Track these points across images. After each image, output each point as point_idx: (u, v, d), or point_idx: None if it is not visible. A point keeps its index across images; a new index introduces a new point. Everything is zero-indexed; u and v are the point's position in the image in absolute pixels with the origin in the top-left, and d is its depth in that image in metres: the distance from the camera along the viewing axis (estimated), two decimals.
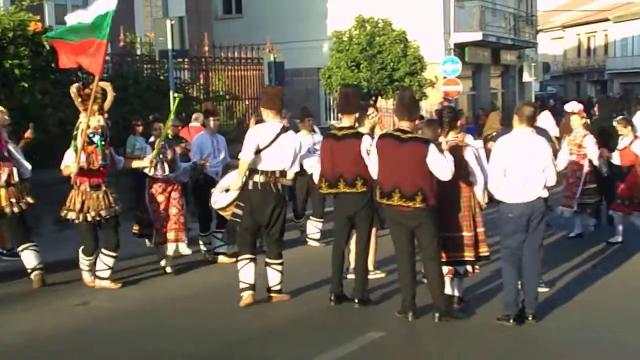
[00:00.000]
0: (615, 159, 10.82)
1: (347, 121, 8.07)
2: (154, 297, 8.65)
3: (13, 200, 8.86)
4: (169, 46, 13.66)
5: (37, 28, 12.51)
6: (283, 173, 8.02)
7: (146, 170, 9.48)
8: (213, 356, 6.66)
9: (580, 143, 10.97)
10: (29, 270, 8.99)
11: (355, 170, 7.78)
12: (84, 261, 9.07)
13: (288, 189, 9.22)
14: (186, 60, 16.37)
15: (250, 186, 7.98)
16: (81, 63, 9.06)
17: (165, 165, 9.55)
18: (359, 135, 7.89)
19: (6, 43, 12.07)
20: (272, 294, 8.21)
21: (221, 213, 8.78)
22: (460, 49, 26.52)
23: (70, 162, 8.80)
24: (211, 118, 10.82)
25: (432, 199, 7.14)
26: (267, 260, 8.16)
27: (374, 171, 7.54)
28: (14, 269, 9.62)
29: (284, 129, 8.06)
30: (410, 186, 7.11)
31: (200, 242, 10.65)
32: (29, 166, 9.34)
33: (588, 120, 12.18)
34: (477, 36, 26.78)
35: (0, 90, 11.85)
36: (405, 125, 7.34)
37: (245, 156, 7.92)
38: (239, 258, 8.16)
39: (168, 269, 9.72)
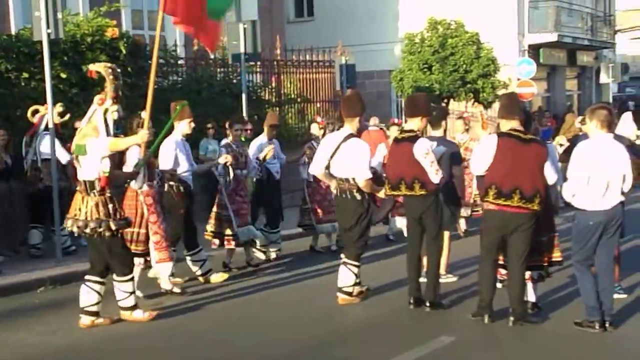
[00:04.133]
0: None
1: (411, 124, 8.06)
2: (234, 296, 8.73)
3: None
4: (242, 50, 13.80)
5: (114, 34, 12.82)
6: (366, 180, 8.06)
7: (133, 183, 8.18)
8: (286, 356, 6.68)
9: None
10: None
11: (413, 174, 7.75)
12: (128, 286, 7.54)
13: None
14: (258, 63, 16.52)
15: (334, 192, 8.32)
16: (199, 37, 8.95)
17: (146, 175, 8.22)
18: (415, 139, 7.83)
19: (85, 48, 12.40)
20: (340, 294, 8.23)
21: None
22: (534, 50, 26.03)
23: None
24: (187, 119, 8.92)
25: (544, 201, 7.08)
26: (343, 259, 8.25)
27: (479, 169, 7.40)
28: None
29: (348, 137, 8.08)
30: (531, 188, 7.03)
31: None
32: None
33: None
34: (553, 37, 26.24)
35: (80, 93, 12.19)
36: (516, 124, 7.22)
37: (312, 169, 8.55)
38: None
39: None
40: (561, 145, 11.30)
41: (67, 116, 10.62)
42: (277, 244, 10.88)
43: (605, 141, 7.01)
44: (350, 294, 8.25)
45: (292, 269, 10.18)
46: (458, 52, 20.51)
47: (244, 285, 9.26)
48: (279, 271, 10.06)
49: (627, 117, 10.96)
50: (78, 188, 7.36)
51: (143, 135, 7.44)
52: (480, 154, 7.37)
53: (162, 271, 8.61)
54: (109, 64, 7.46)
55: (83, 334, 7.35)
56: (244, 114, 13.69)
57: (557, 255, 7.58)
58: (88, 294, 7.49)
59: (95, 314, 7.52)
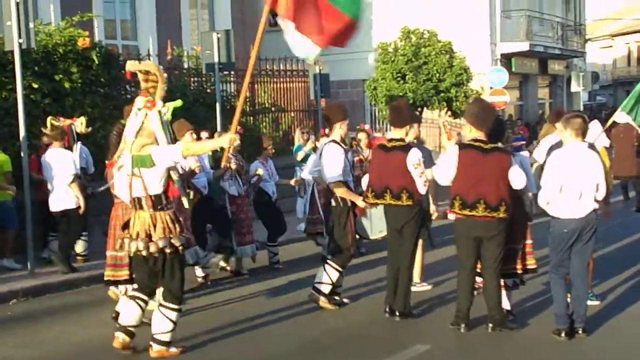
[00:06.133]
0: None
1: (397, 133, 8.05)
2: (205, 310, 8.66)
3: None
4: (216, 59, 13.78)
5: (85, 43, 12.74)
6: (334, 185, 8.16)
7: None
8: None
9: None
10: None
11: (401, 183, 7.74)
12: (175, 316, 6.75)
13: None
14: (232, 73, 16.51)
15: None
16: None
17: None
18: (407, 148, 7.85)
19: (57, 58, 12.31)
20: (313, 292, 8.31)
21: None
22: (506, 59, 26.28)
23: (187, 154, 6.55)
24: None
25: (511, 209, 7.14)
26: (328, 258, 8.33)
27: (443, 180, 7.47)
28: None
29: (328, 142, 8.28)
30: (495, 197, 7.10)
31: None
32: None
33: None
34: (524, 46, 26.51)
35: (52, 104, 12.09)
36: (481, 135, 7.28)
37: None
38: None
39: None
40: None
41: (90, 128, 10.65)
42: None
43: (579, 150, 7.08)
44: (320, 292, 8.28)
45: (263, 280, 10.11)
46: (431, 61, 20.62)
47: (215, 300, 9.19)
48: (250, 282, 9.98)
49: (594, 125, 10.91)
50: (131, 205, 6.61)
51: (231, 138, 6.65)
52: (444, 165, 7.46)
53: None
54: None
55: (55, 347, 7.27)
56: (218, 124, 13.68)
57: (531, 263, 7.63)
58: (132, 312, 6.80)
59: (132, 335, 6.84)
